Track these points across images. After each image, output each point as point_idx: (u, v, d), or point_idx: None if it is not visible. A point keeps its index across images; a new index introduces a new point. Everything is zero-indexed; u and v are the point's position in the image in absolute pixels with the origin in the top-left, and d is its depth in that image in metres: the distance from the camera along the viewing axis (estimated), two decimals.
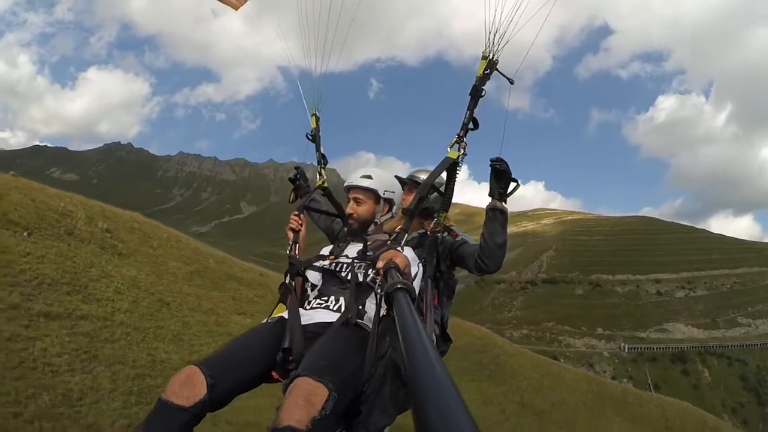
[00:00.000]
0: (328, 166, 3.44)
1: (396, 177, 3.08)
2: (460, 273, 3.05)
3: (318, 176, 3.32)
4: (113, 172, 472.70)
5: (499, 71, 2.71)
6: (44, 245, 10.35)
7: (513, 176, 2.66)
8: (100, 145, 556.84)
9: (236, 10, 4.05)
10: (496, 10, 2.60)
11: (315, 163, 3.44)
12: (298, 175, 3.39)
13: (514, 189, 2.69)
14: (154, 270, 12.56)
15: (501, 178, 2.63)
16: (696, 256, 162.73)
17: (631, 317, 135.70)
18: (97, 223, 13.02)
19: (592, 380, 30.15)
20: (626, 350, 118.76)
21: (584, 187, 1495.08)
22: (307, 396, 1.66)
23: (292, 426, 1.57)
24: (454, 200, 2.83)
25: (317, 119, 3.46)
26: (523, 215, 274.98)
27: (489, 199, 2.80)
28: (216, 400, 1.86)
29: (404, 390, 1.96)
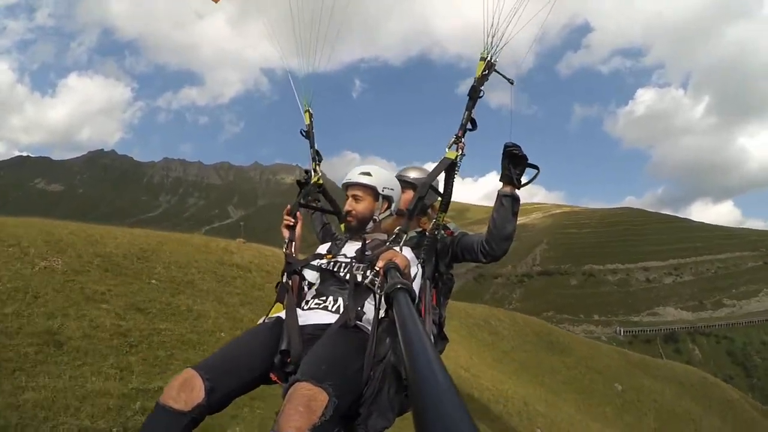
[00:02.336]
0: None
1: None
2: (457, 270, 3.00)
3: (313, 173, 3.19)
4: (98, 180, 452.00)
5: (498, 72, 2.66)
6: None
7: (533, 163, 2.50)
8: (83, 153, 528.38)
9: (216, 2, 3.89)
10: (494, 13, 2.54)
11: (299, 164, 3.10)
12: (308, 179, 3.19)
13: (535, 176, 2.56)
14: None
15: (518, 164, 2.50)
16: (681, 244, 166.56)
17: (624, 303, 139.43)
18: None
19: (619, 351, 35.60)
20: (622, 333, 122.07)
21: (566, 179, 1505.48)
22: (307, 402, 1.62)
23: None
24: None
25: (311, 115, 3.35)
26: None
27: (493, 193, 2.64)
28: (214, 403, 1.85)
29: (403, 393, 1.94)
